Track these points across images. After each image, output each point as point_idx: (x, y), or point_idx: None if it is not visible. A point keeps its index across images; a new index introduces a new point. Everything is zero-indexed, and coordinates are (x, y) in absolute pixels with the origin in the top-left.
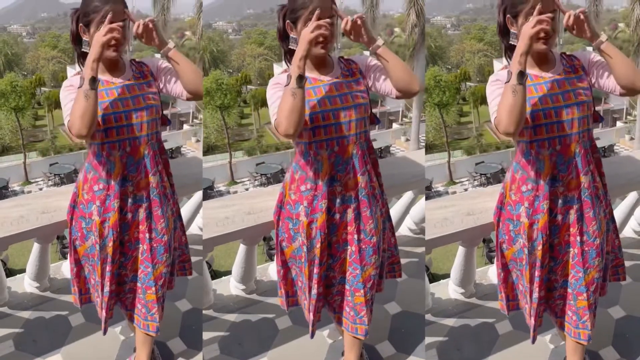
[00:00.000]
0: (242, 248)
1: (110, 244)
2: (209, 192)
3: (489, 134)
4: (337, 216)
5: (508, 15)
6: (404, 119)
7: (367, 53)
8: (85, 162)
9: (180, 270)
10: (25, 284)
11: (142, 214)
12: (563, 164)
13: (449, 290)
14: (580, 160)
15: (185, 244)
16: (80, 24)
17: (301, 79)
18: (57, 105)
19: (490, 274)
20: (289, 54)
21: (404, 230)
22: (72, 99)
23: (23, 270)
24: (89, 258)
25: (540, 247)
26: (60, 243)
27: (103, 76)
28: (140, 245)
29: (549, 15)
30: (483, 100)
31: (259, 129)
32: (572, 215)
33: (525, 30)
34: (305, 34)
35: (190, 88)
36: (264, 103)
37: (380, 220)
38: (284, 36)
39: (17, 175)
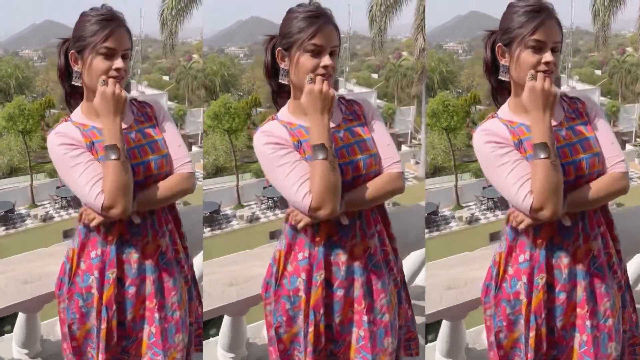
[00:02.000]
0: (226, 318)
1: (104, 326)
2: (215, 216)
3: None
4: (341, 292)
5: (499, 44)
6: (412, 140)
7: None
8: (79, 223)
9: (197, 346)
10: (14, 349)
11: (149, 287)
12: (566, 229)
13: None
14: (588, 223)
15: (202, 316)
16: (72, 51)
17: (330, 147)
18: None
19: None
20: (278, 94)
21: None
22: (83, 162)
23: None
24: (93, 341)
25: (532, 333)
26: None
27: (98, 123)
28: (147, 327)
29: (555, 56)
30: None
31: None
32: (580, 293)
33: (537, 86)
34: (317, 91)
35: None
36: None
37: (395, 292)
38: (272, 71)
39: (24, 198)
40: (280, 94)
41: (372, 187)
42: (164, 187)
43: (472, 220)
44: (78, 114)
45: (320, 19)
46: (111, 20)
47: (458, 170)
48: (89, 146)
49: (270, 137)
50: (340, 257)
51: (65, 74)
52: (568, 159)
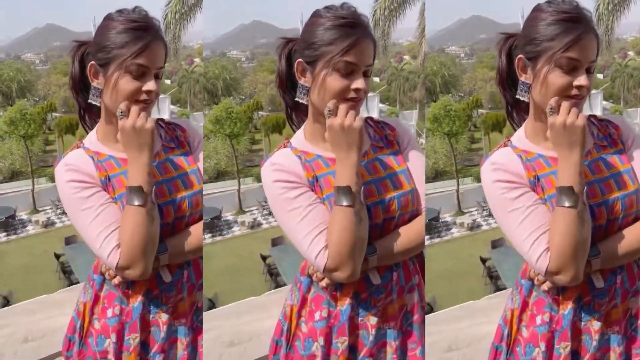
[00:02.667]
0: None
1: None
2: (216, 222)
3: None
4: None
5: (520, 56)
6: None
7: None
8: (92, 269)
9: None
10: None
11: (181, 352)
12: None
13: None
14: (628, 278)
15: None
16: (92, 62)
17: (357, 193)
18: (67, 130)
19: None
20: (294, 110)
21: None
22: (95, 206)
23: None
24: None
25: None
26: (60, 263)
27: (117, 151)
28: None
29: (589, 78)
30: (494, 127)
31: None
32: None
33: (559, 122)
34: (339, 126)
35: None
36: (274, 129)
37: None
38: (287, 83)
39: (25, 203)
40: (297, 112)
41: (410, 233)
42: (200, 232)
43: (473, 226)
44: (93, 138)
45: (356, 30)
46: (146, 30)
47: (459, 175)
48: (104, 182)
49: (281, 173)
50: (370, 320)
51: (80, 85)
52: (599, 199)
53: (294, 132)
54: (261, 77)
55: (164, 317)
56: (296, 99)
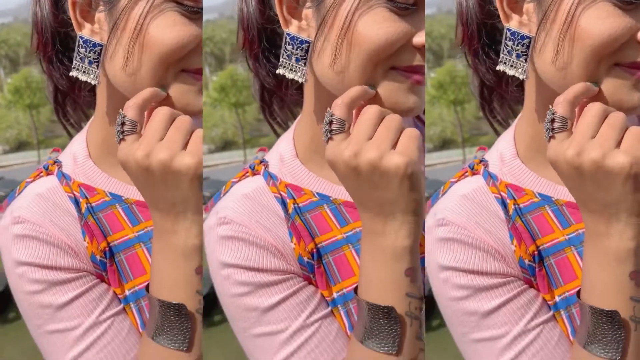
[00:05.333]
0: None
1: None
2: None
3: None
4: None
5: None
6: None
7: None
8: None
9: None
10: None
11: None
12: None
13: None
14: None
15: None
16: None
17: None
18: None
19: None
20: (273, 95)
21: None
22: (83, 330)
23: None
24: None
25: None
26: None
27: (130, 183)
28: None
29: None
30: None
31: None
32: None
33: (586, 163)
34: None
35: None
36: None
37: None
38: (261, 39)
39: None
40: (280, 98)
41: None
42: None
43: None
44: (80, 153)
45: None
46: None
47: (467, 144)
48: (101, 263)
49: (239, 245)
50: None
51: (52, 41)
52: None
53: (277, 136)
54: None
55: None
56: (279, 72)
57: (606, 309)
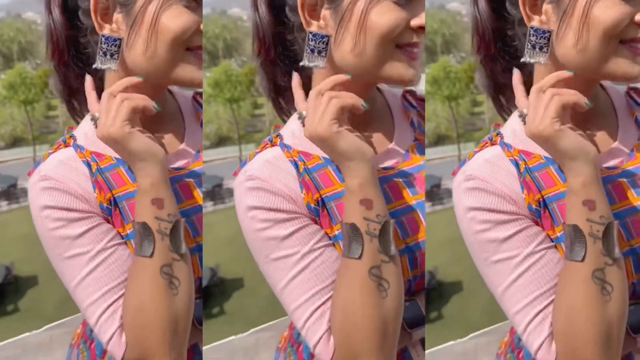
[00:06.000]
0: None
1: None
2: (217, 190)
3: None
4: None
5: None
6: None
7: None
8: (81, 329)
9: None
10: None
11: None
12: None
13: None
14: None
15: None
16: None
17: (374, 234)
18: None
19: None
20: (280, 89)
21: None
22: (89, 254)
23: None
24: None
25: None
26: None
27: None
28: None
29: None
30: None
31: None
32: None
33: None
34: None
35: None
36: None
37: None
38: (276, 42)
39: (27, 172)
40: (287, 93)
41: None
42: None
43: None
44: (91, 129)
45: None
46: None
47: (462, 140)
48: (108, 209)
49: (262, 194)
50: None
51: (67, 44)
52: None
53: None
54: None
55: None
56: (303, 64)
57: (571, 224)
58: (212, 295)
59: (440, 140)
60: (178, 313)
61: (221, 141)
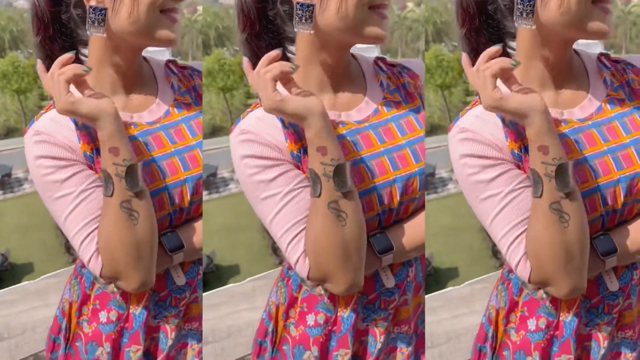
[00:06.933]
0: None
1: None
2: (212, 179)
3: None
4: None
5: None
6: None
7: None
8: (79, 260)
9: None
10: None
11: (191, 358)
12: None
13: None
14: None
15: None
16: None
17: (329, 176)
18: None
19: None
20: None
21: None
22: (73, 193)
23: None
24: None
25: None
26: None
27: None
28: None
29: None
30: None
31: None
32: None
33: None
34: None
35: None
36: None
37: None
38: (260, 18)
39: (21, 162)
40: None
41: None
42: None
43: None
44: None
45: None
46: None
47: None
48: (91, 157)
49: (254, 145)
50: (378, 325)
51: (52, 26)
52: (613, 177)
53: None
54: None
55: (172, 321)
56: (297, 30)
57: (532, 167)
58: (208, 282)
59: (433, 129)
60: (139, 240)
61: (215, 131)
